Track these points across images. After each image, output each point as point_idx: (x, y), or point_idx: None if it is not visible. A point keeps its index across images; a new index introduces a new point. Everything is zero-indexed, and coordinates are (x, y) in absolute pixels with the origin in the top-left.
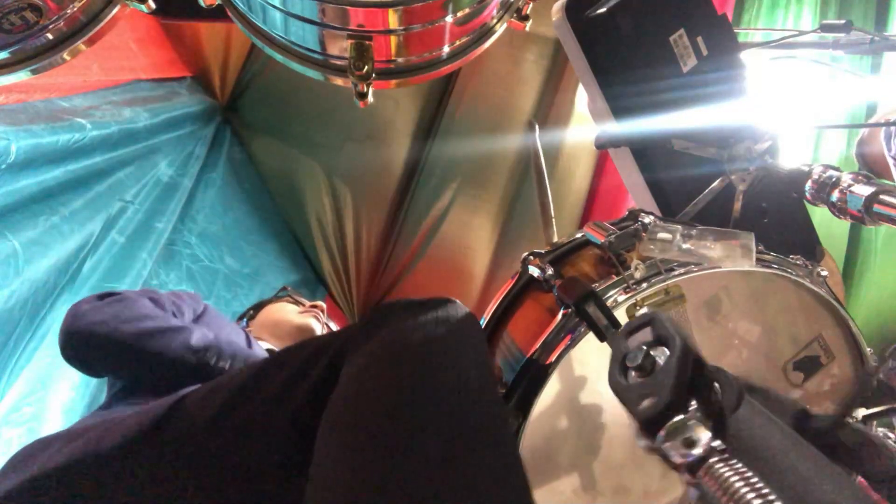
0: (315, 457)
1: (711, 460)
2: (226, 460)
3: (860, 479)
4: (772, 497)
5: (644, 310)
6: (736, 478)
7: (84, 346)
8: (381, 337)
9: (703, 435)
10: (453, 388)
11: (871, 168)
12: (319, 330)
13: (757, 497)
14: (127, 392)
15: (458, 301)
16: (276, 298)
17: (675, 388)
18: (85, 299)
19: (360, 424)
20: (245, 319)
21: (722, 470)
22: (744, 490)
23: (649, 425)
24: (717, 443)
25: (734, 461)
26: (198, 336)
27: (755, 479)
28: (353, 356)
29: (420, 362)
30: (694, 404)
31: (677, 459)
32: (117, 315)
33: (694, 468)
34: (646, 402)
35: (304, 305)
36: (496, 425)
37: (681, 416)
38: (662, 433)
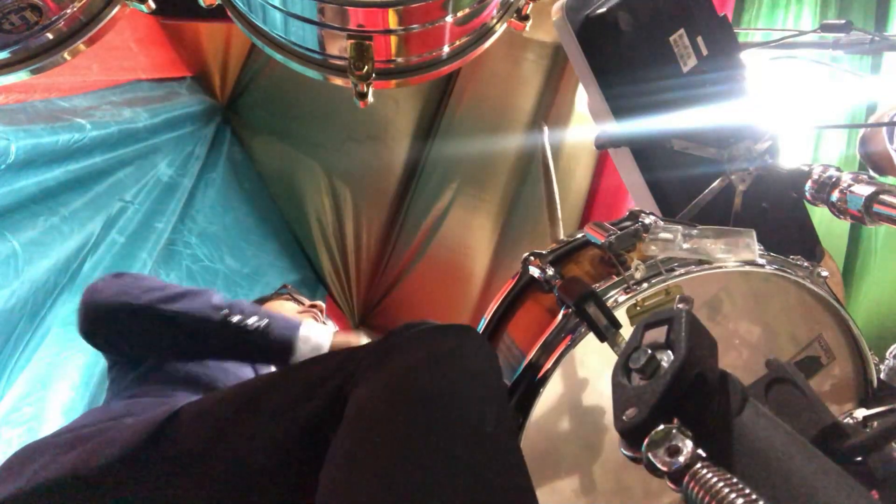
0: (324, 473)
1: (696, 467)
2: (224, 476)
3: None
4: (760, 502)
5: (674, 303)
6: (721, 483)
7: (107, 319)
8: (393, 368)
9: (687, 443)
10: (465, 427)
11: (877, 166)
12: None
13: (745, 501)
14: (132, 384)
15: (474, 329)
16: (277, 295)
17: (656, 407)
18: (99, 279)
19: (368, 459)
20: None
21: (707, 475)
22: (732, 495)
23: (626, 437)
24: (700, 451)
25: (718, 467)
26: (218, 297)
27: (741, 485)
28: (362, 385)
29: (431, 401)
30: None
31: (661, 468)
32: (136, 285)
33: (678, 476)
34: (628, 412)
35: (303, 305)
36: (510, 463)
37: (662, 427)
38: (646, 442)
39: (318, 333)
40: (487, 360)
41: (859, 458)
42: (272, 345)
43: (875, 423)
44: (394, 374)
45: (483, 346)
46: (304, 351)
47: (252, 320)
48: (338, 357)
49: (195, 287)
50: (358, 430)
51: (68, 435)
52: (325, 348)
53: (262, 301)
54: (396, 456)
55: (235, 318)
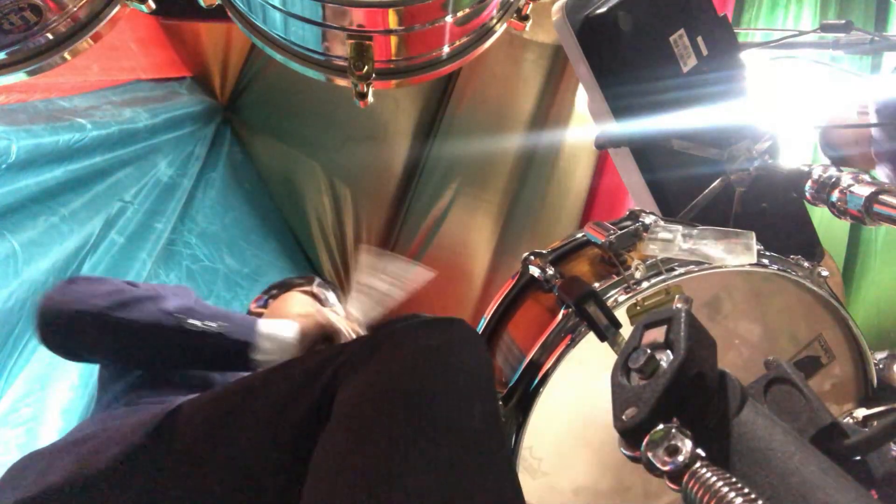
0: (312, 469)
1: (695, 466)
2: (225, 470)
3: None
4: (759, 501)
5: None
6: (721, 482)
7: (58, 325)
8: (378, 366)
9: (687, 442)
10: (450, 427)
11: (844, 161)
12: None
13: (745, 501)
14: (125, 391)
15: (463, 321)
16: (302, 289)
17: (656, 406)
18: (53, 285)
19: (356, 447)
20: (266, 298)
21: (707, 475)
22: (731, 494)
23: (626, 436)
24: (699, 450)
25: (717, 467)
26: (176, 302)
27: (740, 484)
28: (349, 383)
29: (415, 401)
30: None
31: (661, 467)
32: (88, 291)
33: (678, 475)
34: (628, 412)
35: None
36: (496, 460)
37: (662, 426)
38: (645, 442)
39: (278, 327)
40: (476, 354)
41: (858, 458)
42: (230, 346)
43: (875, 423)
44: (379, 373)
45: (472, 339)
46: (267, 347)
47: (207, 323)
48: (327, 353)
49: (153, 291)
50: (342, 431)
51: (65, 441)
52: (291, 340)
53: (288, 286)
54: (379, 458)
55: (189, 322)
